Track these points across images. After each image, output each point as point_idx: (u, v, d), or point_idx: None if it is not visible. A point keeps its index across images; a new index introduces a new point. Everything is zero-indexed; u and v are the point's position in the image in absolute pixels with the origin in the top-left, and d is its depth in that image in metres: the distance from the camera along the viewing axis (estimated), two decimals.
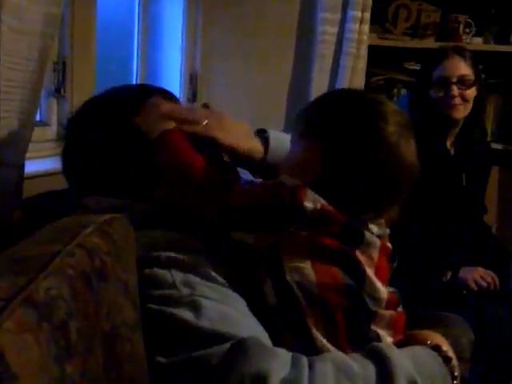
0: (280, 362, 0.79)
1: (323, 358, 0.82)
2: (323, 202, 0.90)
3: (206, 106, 1.19)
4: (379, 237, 0.95)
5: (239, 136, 1.11)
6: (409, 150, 0.95)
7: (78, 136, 1.09)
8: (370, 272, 0.92)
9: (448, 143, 2.26)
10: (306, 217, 0.88)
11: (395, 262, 1.00)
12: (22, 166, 1.29)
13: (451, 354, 0.93)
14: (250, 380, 0.76)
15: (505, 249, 2.29)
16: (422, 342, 0.94)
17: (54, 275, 0.61)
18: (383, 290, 0.94)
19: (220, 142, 1.07)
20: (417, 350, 0.91)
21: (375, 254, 0.94)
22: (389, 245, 0.98)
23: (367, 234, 0.93)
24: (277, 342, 0.87)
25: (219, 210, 0.91)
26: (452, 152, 2.27)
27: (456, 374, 0.91)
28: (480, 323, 1.91)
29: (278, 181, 0.93)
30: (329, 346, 0.87)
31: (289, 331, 0.89)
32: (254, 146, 1.13)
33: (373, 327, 0.91)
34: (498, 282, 2.13)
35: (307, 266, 0.89)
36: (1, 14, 1.10)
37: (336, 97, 1.04)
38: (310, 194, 0.89)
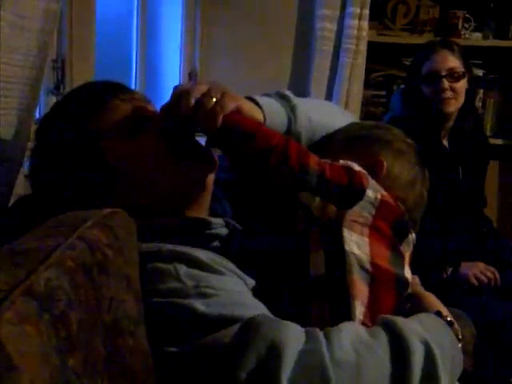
0: (293, 333, 0.81)
1: (338, 329, 0.83)
2: (383, 192, 0.97)
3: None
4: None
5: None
6: None
7: (41, 146, 1.09)
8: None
9: (443, 137, 2.27)
10: (367, 201, 0.94)
11: None
12: (22, 164, 1.29)
13: (451, 318, 0.95)
14: (265, 354, 0.77)
15: (506, 242, 2.29)
16: (424, 311, 0.97)
17: (55, 267, 0.61)
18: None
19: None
20: (421, 316, 0.93)
21: (407, 255, 1.00)
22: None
23: (410, 234, 1.00)
24: (305, 316, 0.88)
25: (299, 170, 0.92)
26: (447, 146, 2.28)
27: (460, 336, 0.93)
28: (482, 317, 1.91)
29: (346, 164, 0.98)
30: (363, 319, 0.89)
31: (327, 302, 0.90)
32: (257, 113, 1.04)
33: None
34: (498, 276, 2.13)
35: (365, 243, 0.93)
36: (0, 9, 1.10)
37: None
38: (372, 182, 0.97)
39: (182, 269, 0.90)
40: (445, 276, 2.11)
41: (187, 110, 0.96)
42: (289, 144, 0.94)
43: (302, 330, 0.82)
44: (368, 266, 0.91)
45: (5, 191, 1.24)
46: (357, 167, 0.97)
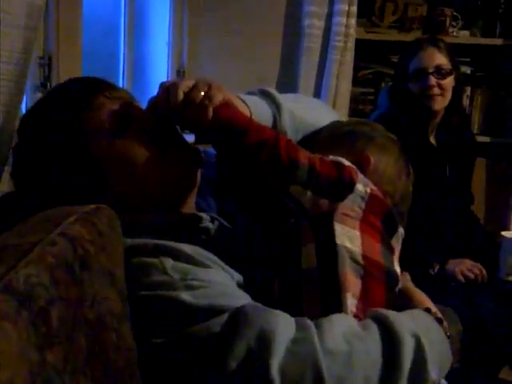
0: (283, 321, 0.81)
1: (329, 319, 0.84)
2: (372, 186, 0.97)
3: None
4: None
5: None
6: None
7: (24, 144, 1.07)
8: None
9: (430, 134, 2.28)
10: (357, 195, 0.94)
11: None
12: (7, 160, 1.28)
13: (440, 315, 0.96)
14: (255, 341, 0.78)
15: (493, 240, 2.30)
16: (413, 307, 0.97)
17: (35, 263, 0.61)
18: None
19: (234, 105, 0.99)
20: (412, 311, 0.94)
21: (397, 250, 1.01)
22: None
23: (399, 228, 1.00)
24: (295, 309, 0.88)
25: (289, 164, 0.92)
26: (434, 143, 2.29)
27: (448, 334, 0.94)
28: (468, 314, 1.92)
29: (336, 159, 0.98)
30: (355, 312, 0.89)
31: (319, 294, 0.91)
32: (244, 109, 1.03)
33: None
34: (485, 273, 2.14)
35: (357, 237, 0.93)
36: None
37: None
38: (361, 176, 0.97)
39: (169, 262, 0.90)
40: (432, 273, 2.11)
41: (175, 104, 0.96)
42: (279, 138, 0.94)
43: (292, 319, 0.83)
44: (360, 259, 0.92)
45: None
46: (346, 162, 0.98)
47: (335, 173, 0.94)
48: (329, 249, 0.92)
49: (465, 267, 2.12)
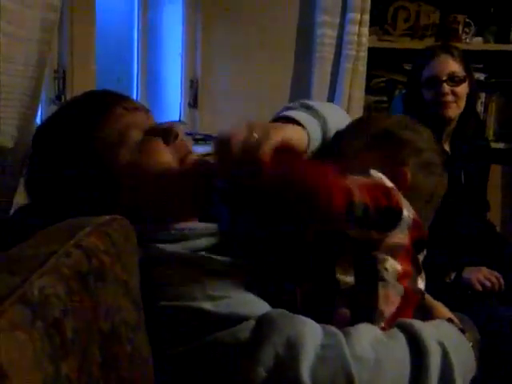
0: (310, 328, 0.82)
1: (356, 328, 0.84)
2: (413, 210, 0.94)
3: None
4: None
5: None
6: None
7: (39, 156, 1.08)
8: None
9: (444, 141, 2.26)
10: (404, 222, 0.91)
11: None
12: (22, 173, 1.29)
13: (462, 326, 0.97)
14: (282, 348, 0.78)
15: (509, 247, 2.28)
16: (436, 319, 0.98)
17: (49, 274, 0.61)
18: None
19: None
20: (436, 322, 0.94)
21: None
22: None
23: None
24: (321, 318, 0.88)
25: (348, 203, 0.84)
26: (449, 150, 2.27)
27: (471, 344, 0.95)
28: (485, 322, 1.90)
29: (379, 181, 0.93)
30: (383, 325, 0.89)
31: (351, 311, 0.89)
32: (302, 135, 0.99)
33: None
34: (502, 281, 2.12)
35: (397, 263, 0.91)
36: None
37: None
38: (403, 200, 0.93)
39: (187, 272, 0.90)
40: (448, 281, 2.10)
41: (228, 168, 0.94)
42: (332, 193, 0.83)
43: (318, 326, 0.83)
44: (399, 283, 0.91)
45: (5, 200, 1.24)
46: (388, 182, 0.94)
47: (384, 201, 0.88)
48: (369, 271, 0.91)
49: (482, 275, 2.10)
